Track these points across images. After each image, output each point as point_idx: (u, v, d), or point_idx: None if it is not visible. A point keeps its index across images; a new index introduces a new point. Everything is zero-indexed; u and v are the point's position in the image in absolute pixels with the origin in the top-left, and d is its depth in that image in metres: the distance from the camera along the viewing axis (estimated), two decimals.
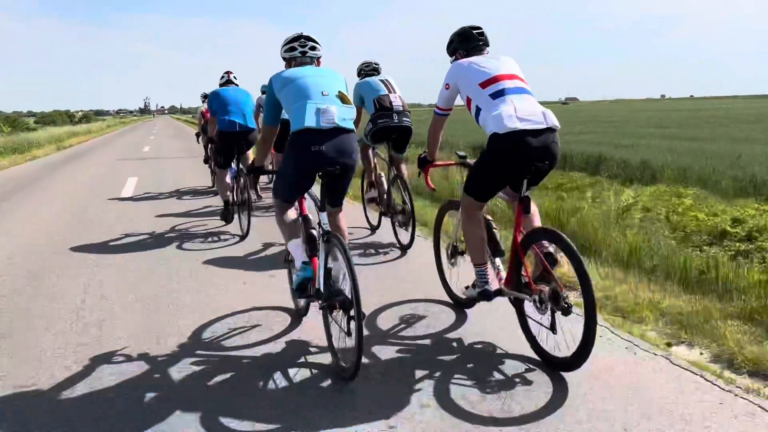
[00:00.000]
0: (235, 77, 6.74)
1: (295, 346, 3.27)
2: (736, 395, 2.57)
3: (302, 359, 3.11)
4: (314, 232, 3.27)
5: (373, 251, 5.26)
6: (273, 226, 6.34)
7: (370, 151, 5.76)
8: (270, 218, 7.02)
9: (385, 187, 5.64)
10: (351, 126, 3.12)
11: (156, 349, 3.24)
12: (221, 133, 6.26)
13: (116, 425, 2.46)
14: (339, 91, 3.15)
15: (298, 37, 3.37)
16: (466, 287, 3.43)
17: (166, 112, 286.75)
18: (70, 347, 3.26)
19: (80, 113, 64.59)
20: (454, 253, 3.77)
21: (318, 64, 3.40)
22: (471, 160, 3.53)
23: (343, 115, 3.07)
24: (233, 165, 6.45)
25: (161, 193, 9.38)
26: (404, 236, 5.28)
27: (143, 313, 3.81)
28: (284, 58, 3.42)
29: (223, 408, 2.58)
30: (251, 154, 6.31)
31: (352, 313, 2.75)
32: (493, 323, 3.47)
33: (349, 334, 2.79)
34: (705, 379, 2.74)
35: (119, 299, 4.09)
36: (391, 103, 5.27)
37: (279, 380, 2.85)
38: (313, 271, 3.17)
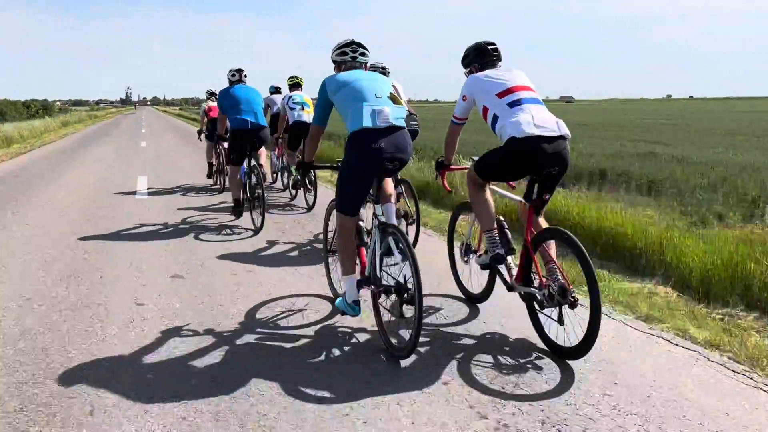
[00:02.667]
0: (245, 75, 7.15)
1: (338, 329, 3.75)
2: None
3: (344, 340, 3.57)
4: (362, 224, 3.71)
5: None
6: (285, 222, 6.99)
7: None
8: (280, 214, 7.48)
9: None
10: (404, 124, 3.52)
11: (218, 326, 3.76)
12: (234, 131, 6.70)
13: (195, 385, 2.96)
14: (390, 93, 3.57)
15: (350, 43, 3.80)
16: (479, 255, 3.78)
17: (148, 103, 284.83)
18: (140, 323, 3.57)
19: (37, 104, 51.36)
20: (467, 251, 4.17)
21: (365, 68, 3.82)
22: None
23: (396, 114, 3.47)
24: (244, 163, 6.89)
25: None
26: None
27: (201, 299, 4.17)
28: (335, 61, 3.84)
29: (287, 378, 3.06)
30: (263, 155, 6.71)
31: (405, 296, 3.19)
32: (503, 317, 3.89)
33: (401, 316, 3.24)
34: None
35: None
36: None
37: (328, 356, 3.34)
38: (357, 314, 3.65)
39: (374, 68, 6.11)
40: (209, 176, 10.44)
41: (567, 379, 3.06)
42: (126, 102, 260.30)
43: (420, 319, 3.12)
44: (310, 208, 7.81)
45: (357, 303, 3.59)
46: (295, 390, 2.93)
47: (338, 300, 3.72)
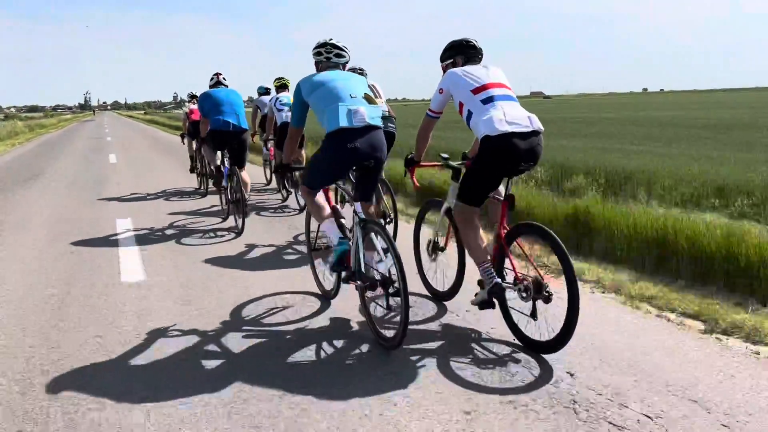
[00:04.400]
0: (224, 78, 7.16)
1: (324, 326, 3.81)
2: None
3: (329, 335, 3.64)
4: (344, 221, 3.77)
5: None
6: (276, 223, 7.03)
7: None
8: (272, 216, 7.53)
9: None
10: (380, 123, 3.58)
11: (206, 326, 3.81)
12: (214, 132, 6.66)
13: (184, 385, 3.00)
14: (365, 93, 3.61)
15: (324, 44, 3.88)
16: (476, 294, 3.62)
17: (109, 108, 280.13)
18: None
19: None
20: (434, 249, 4.19)
21: (343, 68, 3.88)
22: (455, 162, 3.92)
23: (372, 114, 3.53)
24: (226, 164, 6.92)
25: None
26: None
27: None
28: (315, 61, 3.94)
29: (274, 375, 3.10)
30: (248, 182, 6.74)
31: (391, 290, 3.27)
32: (472, 314, 3.90)
33: (389, 308, 3.36)
34: None
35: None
36: None
37: (315, 351, 3.43)
38: (350, 246, 3.68)
39: (352, 70, 6.10)
40: (192, 171, 10.80)
41: (545, 369, 3.12)
42: (85, 107, 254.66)
43: (407, 310, 3.18)
44: (302, 209, 7.79)
45: (342, 239, 3.74)
46: (281, 386, 2.96)
47: (336, 249, 3.71)
